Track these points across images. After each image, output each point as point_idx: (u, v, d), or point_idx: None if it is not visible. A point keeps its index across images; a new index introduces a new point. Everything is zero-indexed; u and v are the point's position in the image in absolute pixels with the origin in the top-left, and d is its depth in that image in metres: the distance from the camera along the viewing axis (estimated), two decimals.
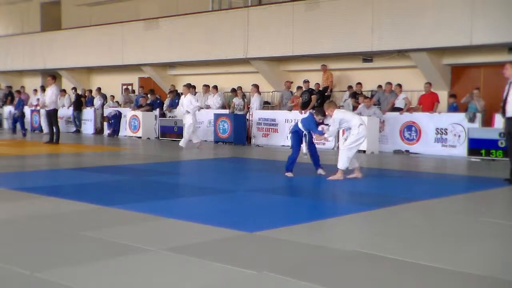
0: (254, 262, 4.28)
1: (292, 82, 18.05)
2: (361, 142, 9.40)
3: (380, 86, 16.38)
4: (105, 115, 21.20)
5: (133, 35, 22.01)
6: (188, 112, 14.99)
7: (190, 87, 16.18)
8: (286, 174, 9.48)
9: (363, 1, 16.22)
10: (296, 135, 9.62)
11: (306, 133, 9.50)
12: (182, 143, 15.11)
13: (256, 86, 17.88)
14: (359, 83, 16.76)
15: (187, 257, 4.38)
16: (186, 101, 15.11)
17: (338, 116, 9.23)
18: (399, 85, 15.58)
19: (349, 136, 9.25)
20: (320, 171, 9.67)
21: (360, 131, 9.17)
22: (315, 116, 9.51)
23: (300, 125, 9.56)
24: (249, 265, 4.17)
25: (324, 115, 9.51)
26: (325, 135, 9.48)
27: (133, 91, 23.02)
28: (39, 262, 4.23)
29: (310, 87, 16.98)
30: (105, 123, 21.06)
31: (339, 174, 9.17)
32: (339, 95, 17.80)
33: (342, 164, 9.15)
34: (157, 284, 3.76)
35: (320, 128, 9.48)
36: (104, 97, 22.45)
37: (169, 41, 20.68)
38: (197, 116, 15.77)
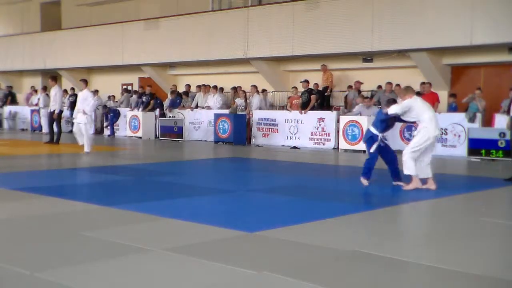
0: (254, 262, 4.28)
1: (362, 83, 16.68)
2: (431, 143, 8.06)
3: (380, 87, 16.38)
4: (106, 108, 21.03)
5: (133, 35, 22.00)
6: (84, 111, 13.30)
7: (87, 82, 14.41)
8: (362, 180, 8.34)
9: (363, 1, 16.22)
10: (371, 141, 8.33)
11: (381, 137, 8.30)
12: (87, 148, 13.17)
13: (255, 87, 17.89)
14: (357, 81, 16.70)
15: (187, 257, 4.38)
16: (82, 98, 13.54)
17: (409, 103, 7.97)
18: (399, 85, 15.49)
19: (417, 134, 8.07)
20: (398, 182, 8.34)
21: (429, 130, 7.93)
22: (384, 110, 8.32)
23: (373, 129, 8.34)
24: (249, 265, 4.16)
25: (394, 104, 8.34)
26: (385, 110, 8.17)
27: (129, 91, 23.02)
28: (39, 262, 4.23)
29: (309, 86, 16.96)
30: (105, 121, 20.98)
31: (414, 182, 8.00)
32: (339, 95, 17.80)
33: (408, 169, 7.98)
34: (157, 284, 3.76)
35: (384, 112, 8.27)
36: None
37: (169, 41, 20.69)
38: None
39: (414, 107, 8.01)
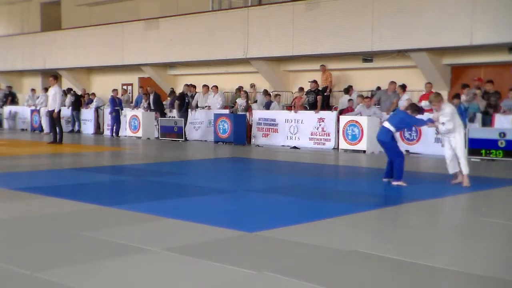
0: (254, 262, 4.28)
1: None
2: None
3: (378, 88, 16.36)
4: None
5: (133, 35, 22.01)
6: None
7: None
8: (401, 183, 8.39)
9: (363, 1, 16.22)
10: (394, 141, 8.76)
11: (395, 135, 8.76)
12: None
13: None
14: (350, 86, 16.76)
15: (187, 257, 4.38)
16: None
17: (451, 110, 8.53)
18: (402, 86, 15.34)
19: (459, 137, 8.58)
20: (396, 182, 8.47)
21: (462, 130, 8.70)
22: (409, 113, 8.73)
23: (392, 128, 8.64)
24: (249, 265, 4.16)
25: (419, 111, 8.84)
26: (442, 130, 8.58)
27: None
28: (39, 262, 4.23)
29: (312, 87, 16.94)
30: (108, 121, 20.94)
31: (468, 178, 8.65)
32: (339, 95, 17.80)
33: (468, 169, 8.64)
34: (157, 284, 3.76)
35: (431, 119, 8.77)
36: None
37: (169, 41, 20.68)
38: None
39: (454, 112, 8.64)
